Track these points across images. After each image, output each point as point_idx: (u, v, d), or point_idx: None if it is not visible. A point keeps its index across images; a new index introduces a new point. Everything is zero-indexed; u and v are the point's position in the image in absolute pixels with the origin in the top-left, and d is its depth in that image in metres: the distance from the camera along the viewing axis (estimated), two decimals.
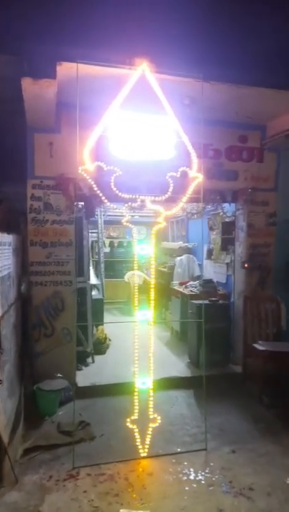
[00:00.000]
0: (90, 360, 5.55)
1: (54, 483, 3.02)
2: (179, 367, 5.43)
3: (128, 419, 3.43)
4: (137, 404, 3.44)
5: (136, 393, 3.45)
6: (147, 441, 3.42)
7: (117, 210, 3.98)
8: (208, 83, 3.81)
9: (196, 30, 3.60)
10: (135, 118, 3.59)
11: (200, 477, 3.12)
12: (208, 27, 3.65)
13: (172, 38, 3.50)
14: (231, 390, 4.77)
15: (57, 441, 3.58)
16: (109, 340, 6.35)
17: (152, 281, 3.60)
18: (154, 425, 3.47)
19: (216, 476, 3.13)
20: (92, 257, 9.40)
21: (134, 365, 3.49)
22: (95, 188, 3.54)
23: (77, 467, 3.21)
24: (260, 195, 5.30)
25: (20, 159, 4.63)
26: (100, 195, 3.54)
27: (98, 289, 7.67)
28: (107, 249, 11.08)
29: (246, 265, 5.34)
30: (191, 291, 6.57)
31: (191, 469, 3.22)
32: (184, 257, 8.06)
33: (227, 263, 6.37)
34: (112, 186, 3.40)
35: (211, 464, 3.30)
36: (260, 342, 4.71)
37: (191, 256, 8.08)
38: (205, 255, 7.34)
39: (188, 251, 8.28)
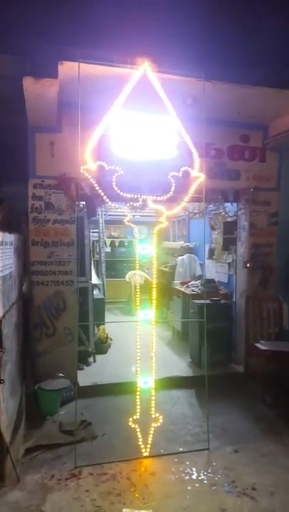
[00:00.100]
0: (91, 359, 5.55)
1: (56, 483, 3.02)
2: (180, 366, 5.43)
3: (130, 419, 3.43)
4: (138, 403, 3.44)
5: (137, 393, 3.45)
6: (149, 440, 3.41)
7: (118, 210, 3.98)
8: (210, 82, 3.82)
9: (198, 29, 3.59)
10: (137, 117, 3.59)
11: (202, 477, 3.12)
12: (210, 26, 3.65)
13: (174, 38, 3.50)
14: (233, 390, 4.76)
15: (58, 440, 3.58)
16: (111, 339, 6.35)
17: (154, 281, 3.60)
18: (155, 425, 3.47)
19: (219, 476, 3.13)
20: (93, 257, 9.40)
21: (135, 365, 3.49)
22: (97, 188, 3.53)
23: (79, 466, 3.21)
24: (262, 195, 5.29)
25: (22, 159, 4.63)
26: (102, 194, 3.54)
27: (99, 289, 7.67)
28: (108, 249, 11.08)
29: (248, 265, 5.34)
30: (193, 290, 6.56)
31: (194, 469, 3.22)
32: (185, 256, 8.05)
33: (229, 263, 6.36)
34: (114, 186, 3.40)
35: (214, 464, 3.30)
36: (262, 342, 4.70)
37: (193, 255, 8.08)
38: (206, 255, 7.33)
39: (190, 251, 8.28)
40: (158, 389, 3.59)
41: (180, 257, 8.13)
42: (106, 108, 3.42)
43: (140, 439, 3.41)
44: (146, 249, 3.56)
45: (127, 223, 3.52)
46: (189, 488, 2.98)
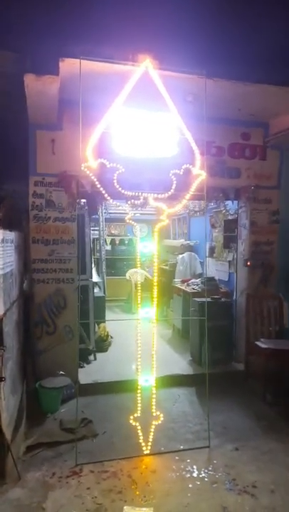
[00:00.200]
0: (91, 357, 5.55)
1: (57, 480, 3.02)
2: (181, 364, 5.43)
3: (130, 417, 3.43)
4: (139, 401, 3.44)
5: (138, 391, 3.45)
6: (150, 438, 3.41)
7: (119, 208, 3.97)
8: (212, 80, 3.80)
9: (200, 26, 3.57)
10: (138, 115, 3.58)
11: (203, 474, 3.12)
12: (212, 23, 3.63)
13: (175, 35, 3.48)
14: (234, 388, 4.77)
15: (59, 438, 3.58)
16: (111, 337, 6.35)
17: (154, 279, 3.59)
18: (156, 423, 3.47)
19: (220, 474, 3.13)
20: (94, 255, 9.40)
21: (136, 363, 3.49)
22: (98, 185, 3.52)
23: (80, 464, 3.21)
24: (263, 193, 5.29)
25: (23, 156, 4.62)
26: (103, 192, 3.52)
27: (100, 287, 7.67)
28: (109, 247, 11.08)
29: (249, 263, 5.33)
30: (193, 288, 6.56)
31: (194, 467, 3.22)
32: (185, 254, 8.05)
33: (229, 261, 6.36)
34: (115, 183, 3.39)
35: (214, 462, 3.30)
36: (262, 340, 4.70)
37: (193, 254, 8.08)
38: (207, 253, 7.32)
39: (190, 249, 8.28)
40: (158, 387, 3.59)
41: (180, 255, 8.12)
42: (107, 105, 3.40)
43: (141, 437, 3.41)
44: (146, 248, 3.56)
45: (128, 221, 3.51)
46: (190, 485, 2.99)
